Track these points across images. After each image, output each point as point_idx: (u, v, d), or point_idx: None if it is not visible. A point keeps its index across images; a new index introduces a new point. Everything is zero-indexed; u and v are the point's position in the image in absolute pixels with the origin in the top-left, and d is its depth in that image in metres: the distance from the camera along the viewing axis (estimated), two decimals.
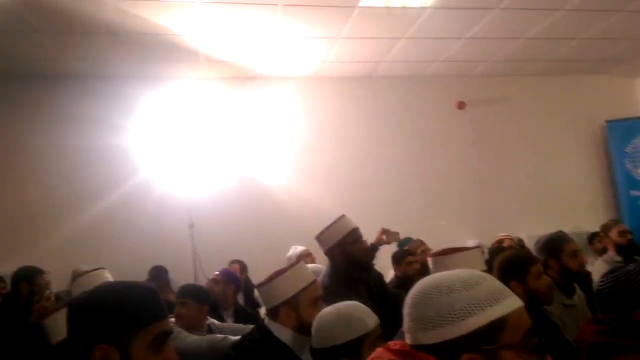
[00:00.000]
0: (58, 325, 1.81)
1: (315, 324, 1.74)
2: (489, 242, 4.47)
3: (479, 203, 5.82)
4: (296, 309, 1.93)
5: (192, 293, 2.70)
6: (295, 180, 5.40)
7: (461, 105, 5.97)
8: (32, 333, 2.69)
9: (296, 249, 4.53)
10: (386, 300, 2.75)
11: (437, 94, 5.96)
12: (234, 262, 4.54)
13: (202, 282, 4.22)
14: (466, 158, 5.93)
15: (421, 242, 4.15)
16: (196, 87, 5.28)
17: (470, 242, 4.71)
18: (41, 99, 4.96)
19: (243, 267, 4.52)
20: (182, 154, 5.00)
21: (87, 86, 5.02)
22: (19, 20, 3.85)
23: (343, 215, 2.82)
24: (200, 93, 5.29)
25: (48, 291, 3.11)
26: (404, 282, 3.81)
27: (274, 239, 5.01)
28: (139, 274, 4.30)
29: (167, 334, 1.16)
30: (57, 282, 3.48)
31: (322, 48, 4.92)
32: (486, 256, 3.56)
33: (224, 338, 2.41)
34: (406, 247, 4.05)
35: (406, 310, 0.99)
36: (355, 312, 1.70)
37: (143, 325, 1.10)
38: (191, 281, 4.49)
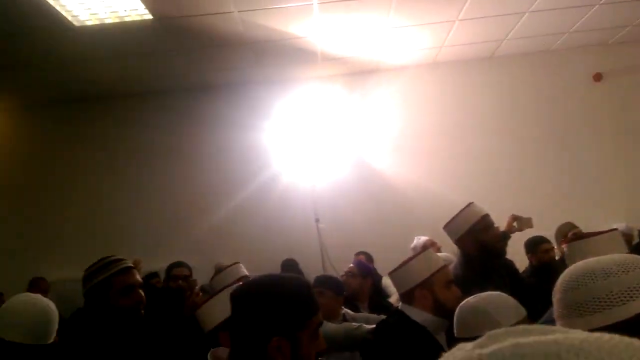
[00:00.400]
0: (209, 315, 2.03)
1: (458, 312, 1.74)
2: (639, 224, 4.06)
3: (624, 183, 5.27)
4: (431, 290, 1.97)
5: (329, 284, 2.82)
6: (416, 170, 5.34)
7: (597, 77, 5.45)
8: (186, 323, 3.03)
9: (419, 239, 4.49)
10: (520, 289, 2.63)
11: (569, 67, 5.50)
12: (359, 253, 4.61)
13: (331, 273, 4.37)
14: (607, 134, 5.40)
15: (572, 225, 3.87)
16: (316, 86, 5.46)
17: (616, 226, 4.30)
18: (189, 108, 5.47)
19: (369, 259, 4.57)
20: (307, 151, 5.22)
21: (223, 93, 5.45)
22: (161, 41, 4.31)
23: (472, 203, 2.75)
24: (320, 91, 5.45)
25: (197, 287, 3.47)
26: (540, 270, 3.61)
27: (397, 230, 5.00)
28: (271, 267, 4.56)
29: (321, 324, 1.24)
30: (200, 276, 3.81)
31: (439, 33, 4.80)
32: (637, 239, 3.24)
33: (360, 326, 2.48)
34: (556, 231, 3.84)
35: (557, 296, 0.97)
36: (501, 303, 1.66)
37: (310, 316, 1.18)
38: (319, 273, 4.67)
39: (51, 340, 1.75)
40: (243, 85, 5.45)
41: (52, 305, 1.78)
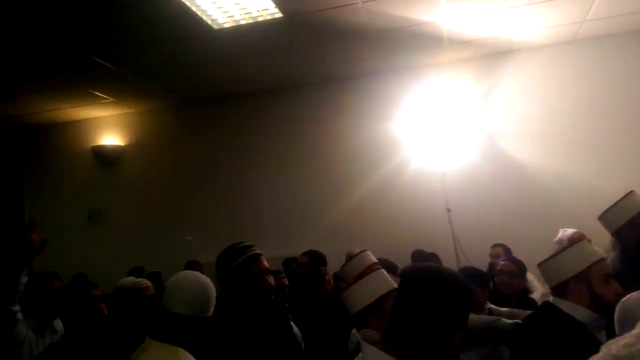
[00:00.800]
0: (352, 299, 2.08)
1: (619, 308, 1.59)
2: None
3: None
4: (588, 283, 1.84)
5: (474, 277, 2.73)
6: (557, 157, 4.93)
7: None
8: (327, 305, 3.15)
9: (565, 232, 4.15)
10: None
11: None
12: (496, 245, 4.41)
13: (465, 265, 4.22)
14: None
15: None
16: (444, 71, 5.30)
17: None
18: (318, 101, 5.66)
19: (507, 251, 4.34)
20: (437, 138, 5.08)
21: (350, 84, 5.54)
22: (291, 38, 4.47)
23: (632, 192, 2.49)
24: (448, 76, 5.29)
25: (327, 276, 3.59)
26: None
27: (536, 221, 4.73)
28: (400, 257, 4.50)
29: None
30: (332, 262, 3.89)
31: (581, 6, 4.36)
32: None
33: (498, 319, 2.39)
34: None
35: None
36: None
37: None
38: (452, 265, 4.54)
39: (210, 314, 1.91)
40: (370, 75, 5.47)
41: (210, 282, 1.95)
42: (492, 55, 5.22)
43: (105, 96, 5.67)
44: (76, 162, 6.42)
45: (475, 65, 5.26)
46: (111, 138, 6.33)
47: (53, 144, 6.53)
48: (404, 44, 4.80)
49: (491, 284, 3.30)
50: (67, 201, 6.39)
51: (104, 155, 6.27)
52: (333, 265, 4.13)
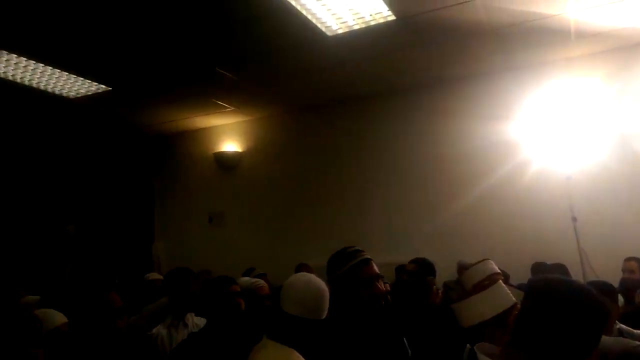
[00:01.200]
0: (467, 312, 1.99)
1: None
2: None
3: None
4: None
5: (603, 291, 2.48)
6: None
7: None
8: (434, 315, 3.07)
9: None
10: None
11: None
12: (630, 259, 3.97)
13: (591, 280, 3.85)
14: None
15: None
16: (570, 68, 4.90)
17: None
18: (430, 102, 5.55)
19: None
20: (561, 139, 4.69)
21: (464, 84, 5.36)
22: (404, 40, 4.41)
23: None
24: (575, 73, 4.88)
25: (435, 287, 3.48)
26: None
27: None
28: (518, 270, 4.23)
29: None
30: (438, 271, 3.75)
31: None
32: None
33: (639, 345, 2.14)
34: None
35: None
36: None
37: None
38: (578, 279, 4.15)
39: (324, 316, 1.93)
40: (487, 74, 5.24)
41: (325, 285, 1.97)
42: (626, 48, 4.72)
43: (227, 105, 6.04)
44: (200, 168, 6.91)
45: (606, 59, 4.80)
46: (231, 144, 6.72)
47: (180, 150, 7.09)
48: (525, 40, 4.51)
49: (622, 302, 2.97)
50: (191, 203, 6.90)
51: (224, 161, 6.68)
52: (443, 273, 4.00)
